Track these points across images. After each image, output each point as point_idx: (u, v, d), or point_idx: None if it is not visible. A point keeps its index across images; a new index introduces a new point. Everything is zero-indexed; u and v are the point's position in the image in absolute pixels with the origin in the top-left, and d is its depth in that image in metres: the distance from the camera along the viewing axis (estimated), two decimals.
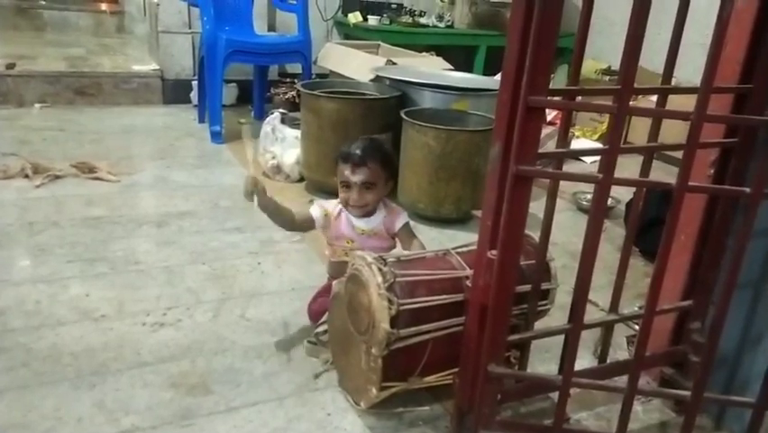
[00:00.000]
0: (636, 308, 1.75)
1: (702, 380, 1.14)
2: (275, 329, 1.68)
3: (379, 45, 3.92)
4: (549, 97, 1.05)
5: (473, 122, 2.55)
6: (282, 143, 2.81)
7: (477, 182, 2.40)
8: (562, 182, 1.28)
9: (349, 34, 4.37)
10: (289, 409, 1.39)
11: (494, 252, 1.11)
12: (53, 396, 1.37)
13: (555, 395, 1.28)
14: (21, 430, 1.27)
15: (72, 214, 2.32)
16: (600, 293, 1.58)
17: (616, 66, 4.15)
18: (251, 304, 1.79)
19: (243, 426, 1.33)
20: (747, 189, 1.04)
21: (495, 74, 3.66)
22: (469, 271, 1.32)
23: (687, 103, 1.10)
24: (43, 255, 2.00)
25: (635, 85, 1.06)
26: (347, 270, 1.39)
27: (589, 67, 4.18)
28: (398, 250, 1.68)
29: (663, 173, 1.36)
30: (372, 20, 4.25)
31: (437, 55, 3.77)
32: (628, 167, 1.28)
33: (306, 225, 1.66)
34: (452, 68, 3.44)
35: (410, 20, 4.47)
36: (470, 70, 3.96)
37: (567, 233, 2.31)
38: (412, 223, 1.74)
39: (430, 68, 3.30)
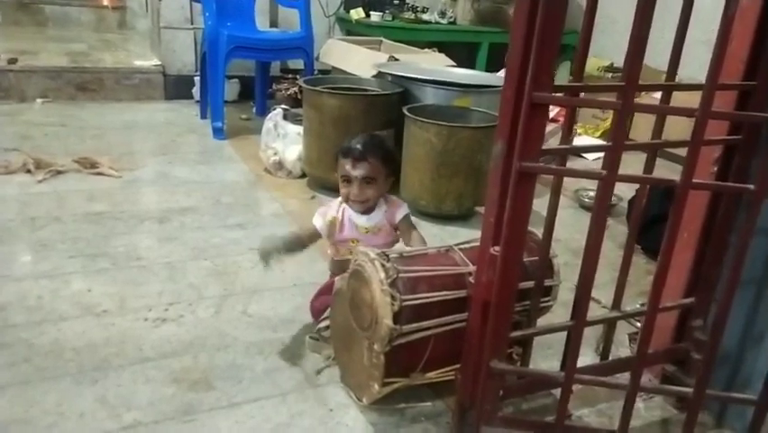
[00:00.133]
0: (639, 306, 1.75)
1: (704, 377, 1.14)
2: (277, 325, 1.68)
3: (381, 41, 3.91)
4: (553, 94, 1.05)
5: (475, 118, 2.54)
6: (284, 140, 2.81)
7: (479, 179, 2.39)
8: (564, 180, 1.28)
9: (351, 30, 4.35)
10: (291, 404, 1.39)
11: (497, 248, 1.11)
12: (55, 391, 1.37)
13: (557, 392, 1.28)
14: (23, 426, 1.27)
15: (74, 209, 2.32)
16: (602, 290, 1.58)
17: (618, 63, 4.15)
18: (252, 300, 1.79)
19: (245, 421, 1.33)
20: (751, 187, 1.04)
21: (497, 71, 3.65)
22: (471, 268, 1.32)
23: (690, 100, 1.10)
24: (45, 250, 2.00)
25: (639, 82, 1.05)
26: (349, 266, 1.39)
27: (592, 64, 4.17)
28: (401, 244, 1.68)
29: (666, 171, 1.35)
30: (375, 16, 4.24)
31: (439, 51, 3.76)
32: (631, 164, 1.27)
33: (313, 239, 1.67)
34: (454, 64, 3.44)
35: (412, 16, 4.46)
36: (472, 67, 3.94)
37: (569, 230, 2.30)
38: (414, 219, 1.74)
39: (432, 64, 3.29)
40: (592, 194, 2.68)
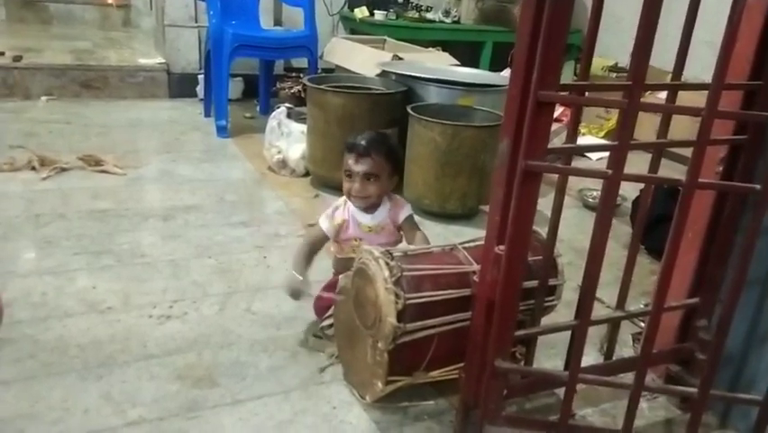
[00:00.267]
0: (642, 306, 1.75)
1: (709, 377, 1.14)
2: (281, 323, 1.68)
3: (385, 40, 3.91)
4: (559, 93, 1.05)
5: (479, 118, 2.54)
6: (288, 138, 2.81)
7: (483, 178, 2.39)
8: (568, 179, 1.28)
9: (355, 29, 4.35)
10: (295, 402, 1.39)
11: (502, 247, 1.11)
12: (60, 387, 1.38)
13: (561, 391, 1.28)
14: (28, 421, 1.28)
15: (78, 206, 2.32)
16: (606, 290, 1.57)
17: (623, 63, 4.14)
18: (256, 298, 1.80)
19: (249, 418, 1.33)
20: (757, 187, 1.04)
21: (501, 70, 3.65)
22: (476, 267, 1.32)
23: (695, 100, 1.10)
24: (50, 247, 2.00)
25: (645, 82, 1.05)
26: (353, 265, 1.39)
27: (596, 64, 4.16)
28: (404, 244, 1.68)
29: (670, 171, 1.35)
30: (379, 15, 4.24)
31: (443, 50, 3.76)
32: (636, 164, 1.27)
33: (323, 243, 1.68)
34: (458, 63, 3.44)
35: (416, 15, 4.46)
36: (476, 66, 3.94)
37: (573, 230, 2.30)
38: (417, 218, 1.75)
39: (436, 63, 3.29)
40: (596, 194, 2.67)
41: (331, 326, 1.58)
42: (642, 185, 1.78)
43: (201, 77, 3.80)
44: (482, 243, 1.19)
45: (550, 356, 1.55)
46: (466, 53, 4.16)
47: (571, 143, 1.21)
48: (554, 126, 3.13)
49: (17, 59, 3.69)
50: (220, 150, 3.16)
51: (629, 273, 1.34)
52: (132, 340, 1.56)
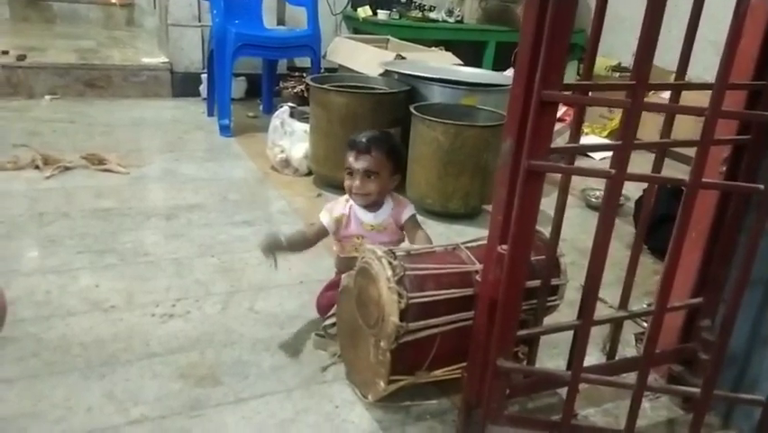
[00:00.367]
0: (645, 305, 1.75)
1: (712, 377, 1.14)
2: (283, 322, 1.68)
3: (388, 40, 3.91)
4: (562, 92, 1.05)
5: (482, 117, 2.54)
6: (291, 137, 2.81)
7: (486, 178, 2.39)
8: (571, 179, 1.27)
9: (358, 29, 4.36)
10: (297, 401, 1.39)
11: (504, 246, 1.11)
12: (63, 386, 1.38)
13: (563, 391, 1.28)
14: (31, 419, 1.28)
15: (82, 205, 2.33)
16: (609, 290, 1.57)
17: (626, 63, 4.14)
18: (259, 297, 1.80)
19: (252, 417, 1.34)
20: (761, 186, 1.04)
21: (504, 70, 3.64)
22: (478, 266, 1.32)
23: (698, 100, 1.10)
24: (53, 246, 2.01)
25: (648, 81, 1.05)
26: (356, 264, 1.39)
27: (600, 63, 4.16)
28: (406, 244, 1.68)
29: (673, 171, 1.35)
30: (382, 14, 4.24)
31: (446, 50, 3.76)
32: (639, 164, 1.27)
33: (321, 236, 1.67)
34: (461, 63, 3.43)
35: (420, 14, 4.46)
36: (479, 66, 3.94)
37: (575, 229, 2.30)
38: (420, 218, 1.75)
39: (439, 62, 3.29)
40: (599, 193, 2.67)
41: (334, 325, 1.58)
42: (645, 185, 1.78)
43: (204, 76, 3.80)
44: (485, 242, 1.19)
45: (552, 356, 1.55)
46: (469, 53, 4.16)
47: (574, 143, 1.21)
48: (557, 126, 3.13)
49: (21, 58, 3.70)
50: (223, 149, 3.16)
51: (632, 273, 1.34)
52: (135, 339, 1.57)
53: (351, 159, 1.61)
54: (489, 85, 2.77)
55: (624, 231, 2.36)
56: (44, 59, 3.81)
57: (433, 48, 3.87)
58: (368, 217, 1.65)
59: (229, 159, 3.02)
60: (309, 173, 2.82)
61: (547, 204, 1.25)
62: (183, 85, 4.00)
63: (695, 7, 1.12)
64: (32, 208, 2.27)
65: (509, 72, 3.34)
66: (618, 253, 1.86)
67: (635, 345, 1.67)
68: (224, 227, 2.25)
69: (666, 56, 1.44)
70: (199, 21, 3.91)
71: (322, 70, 3.56)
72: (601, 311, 1.49)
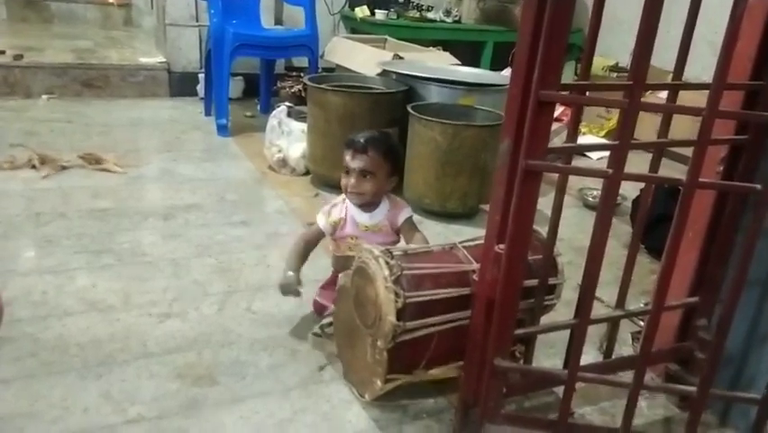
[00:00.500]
0: (642, 305, 1.75)
1: (709, 376, 1.14)
2: (281, 322, 1.68)
3: (385, 40, 3.91)
4: (559, 92, 1.05)
5: (480, 117, 2.54)
6: (288, 137, 2.81)
7: (483, 177, 2.39)
8: (568, 178, 1.28)
9: (356, 28, 4.36)
10: (295, 401, 1.39)
11: (502, 246, 1.11)
12: (60, 386, 1.38)
13: (560, 390, 1.28)
14: (28, 419, 1.28)
15: (79, 205, 2.32)
16: (606, 289, 1.57)
17: (623, 63, 4.14)
18: (257, 297, 1.80)
19: (249, 417, 1.34)
20: (758, 186, 1.04)
21: (502, 70, 3.65)
22: (476, 265, 1.32)
23: (695, 100, 1.10)
24: (50, 246, 2.00)
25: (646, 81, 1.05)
26: (352, 264, 1.40)
27: (597, 63, 4.16)
28: (402, 245, 1.68)
29: (670, 171, 1.35)
30: (379, 14, 4.24)
31: (444, 50, 3.76)
32: (636, 164, 1.27)
33: (319, 238, 1.68)
34: (459, 63, 3.44)
35: (417, 14, 4.46)
36: (477, 66, 3.94)
37: (573, 229, 2.30)
38: (418, 218, 1.75)
39: (437, 62, 3.29)
40: (596, 193, 2.67)
41: (330, 324, 1.58)
42: (642, 184, 1.79)
43: (202, 76, 3.80)
44: (482, 242, 1.19)
45: (549, 355, 1.55)
46: (467, 53, 4.16)
47: (571, 143, 1.21)
48: (555, 126, 3.13)
49: (18, 57, 3.69)
50: (221, 149, 3.16)
51: (629, 272, 1.34)
52: (132, 339, 1.56)
53: (348, 158, 1.62)
54: (486, 85, 2.77)
55: (621, 230, 2.37)
56: (41, 59, 3.81)
57: (430, 48, 3.87)
58: (363, 218, 1.65)
59: (226, 159, 3.02)
60: (307, 173, 2.82)
61: (544, 203, 1.25)
62: (180, 85, 4.00)
63: (692, 7, 1.12)
64: (28, 208, 2.26)
65: (507, 72, 3.34)
66: (615, 252, 1.86)
67: (631, 343, 1.68)
68: (221, 227, 2.25)
69: (664, 56, 1.44)
70: (197, 20, 3.91)
71: (319, 70, 3.56)
72: (598, 310, 1.49)
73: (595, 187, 2.74)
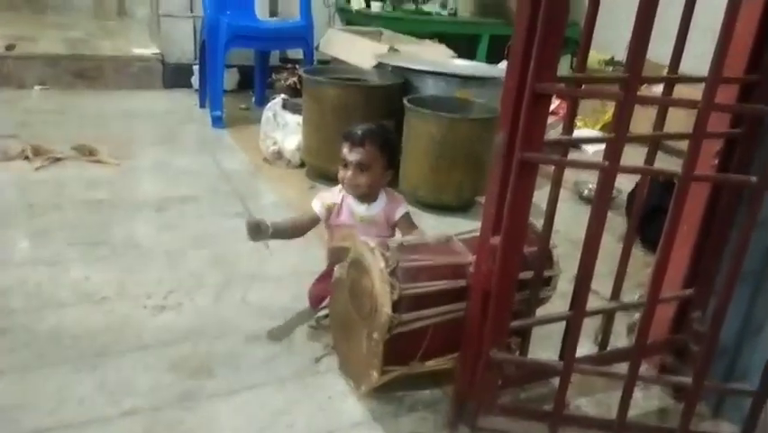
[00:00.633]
0: (637, 297, 1.76)
1: (703, 368, 1.15)
2: (276, 314, 1.68)
3: (381, 32, 3.89)
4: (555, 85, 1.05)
5: (476, 110, 2.54)
6: (284, 129, 2.80)
7: (478, 170, 2.39)
8: (564, 171, 1.28)
9: (351, 20, 4.34)
10: (290, 392, 1.40)
11: (497, 238, 1.11)
12: (55, 377, 1.38)
13: (555, 381, 1.29)
14: (23, 411, 1.28)
15: (73, 197, 2.31)
16: (601, 282, 1.57)
17: (619, 57, 4.14)
18: (252, 288, 1.80)
19: (244, 408, 1.34)
20: (753, 179, 1.04)
21: (498, 63, 3.64)
22: (471, 258, 1.32)
23: (691, 94, 1.10)
24: (44, 237, 2.00)
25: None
26: (346, 255, 1.39)
27: (592, 58, 4.16)
28: (398, 238, 1.68)
29: (666, 164, 1.36)
30: (375, 6, 4.23)
31: (440, 43, 3.75)
32: (632, 158, 1.27)
33: (313, 223, 1.68)
34: (455, 55, 3.43)
35: (413, 7, 4.45)
36: (472, 59, 3.93)
37: (568, 222, 2.29)
38: (413, 210, 1.75)
39: (433, 55, 3.28)
40: (591, 186, 2.68)
41: (326, 316, 1.58)
42: (637, 177, 1.79)
43: (196, 67, 3.78)
44: (478, 234, 1.19)
45: (545, 347, 1.55)
46: (463, 46, 4.15)
47: (567, 136, 1.21)
48: (550, 119, 3.14)
49: (10, 48, 3.67)
50: (215, 141, 3.15)
51: (625, 264, 1.35)
52: (127, 331, 1.56)
53: (345, 150, 1.62)
54: (482, 77, 2.77)
55: (616, 223, 2.37)
56: (34, 50, 3.78)
57: (426, 40, 3.86)
58: (360, 209, 1.65)
59: (221, 151, 3.01)
60: (302, 165, 2.81)
61: (539, 197, 1.25)
62: (175, 76, 3.97)
63: (688, 1, 1.12)
64: (22, 200, 2.25)
65: (503, 65, 3.33)
66: (610, 245, 1.86)
67: (626, 335, 1.68)
68: (216, 219, 2.24)
69: (660, 50, 1.44)
70: (191, 11, 3.89)
71: (315, 62, 3.54)
72: (593, 302, 1.49)
73: (590, 180, 2.75)
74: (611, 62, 4.18)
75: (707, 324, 1.27)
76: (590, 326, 1.59)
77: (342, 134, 1.65)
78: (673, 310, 1.48)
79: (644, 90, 2.95)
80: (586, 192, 2.71)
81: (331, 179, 2.46)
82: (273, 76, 3.90)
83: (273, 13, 4.15)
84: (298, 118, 2.76)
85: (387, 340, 1.30)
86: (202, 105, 3.62)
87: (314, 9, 3.60)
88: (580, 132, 3.65)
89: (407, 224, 1.68)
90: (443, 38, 3.98)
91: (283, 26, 3.69)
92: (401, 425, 1.33)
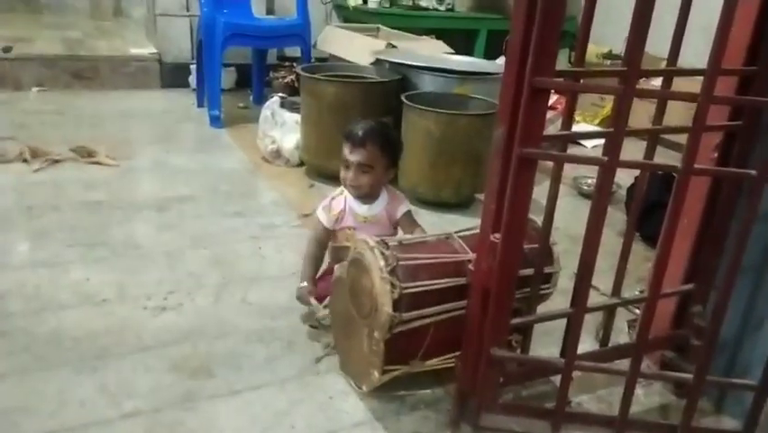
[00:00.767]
0: (638, 292, 1.75)
1: (704, 363, 1.14)
2: (276, 313, 1.68)
3: (378, 28, 3.88)
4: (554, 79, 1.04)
5: (474, 106, 2.53)
6: (282, 128, 2.80)
7: (478, 167, 2.39)
8: (563, 167, 1.27)
9: (348, 17, 4.33)
10: (291, 392, 1.39)
11: (497, 235, 1.11)
12: (55, 380, 1.37)
13: (556, 379, 1.28)
14: (24, 414, 1.27)
15: (71, 198, 2.31)
16: (601, 278, 1.57)
17: (617, 50, 4.13)
18: (252, 288, 1.79)
19: (245, 409, 1.33)
20: (753, 172, 1.04)
21: (495, 58, 3.63)
22: (471, 255, 1.31)
23: (689, 88, 1.09)
24: (43, 239, 1.99)
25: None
26: (348, 255, 1.39)
27: (590, 51, 4.15)
28: (398, 236, 1.68)
29: (665, 158, 1.35)
30: (372, 2, 4.22)
31: (437, 39, 3.74)
32: (631, 152, 1.27)
33: (328, 237, 1.68)
34: (452, 51, 3.42)
35: (410, 3, 4.43)
36: (470, 55, 3.92)
37: (567, 218, 2.30)
38: (412, 208, 1.74)
39: (431, 51, 3.27)
40: (591, 181, 2.67)
41: (327, 316, 1.58)
42: (636, 172, 1.78)
43: (193, 66, 3.77)
44: (478, 231, 1.19)
45: (546, 344, 1.55)
46: (460, 41, 4.14)
47: (566, 131, 1.20)
48: (549, 114, 3.13)
49: (7, 49, 3.65)
50: (213, 140, 3.14)
51: (625, 260, 1.34)
52: (127, 332, 1.56)
53: (346, 151, 1.60)
54: (480, 73, 2.76)
55: (615, 219, 2.36)
56: (31, 51, 3.76)
57: (424, 36, 3.85)
58: (362, 209, 1.65)
59: (220, 150, 3.00)
60: (301, 164, 2.80)
61: (539, 193, 1.24)
62: (172, 75, 3.96)
63: None
64: (20, 202, 2.24)
65: (501, 60, 3.33)
66: (610, 240, 1.86)
67: (627, 331, 1.68)
68: (215, 219, 2.24)
69: (658, 43, 1.43)
70: (187, 10, 3.87)
71: (312, 60, 3.53)
72: (594, 299, 1.49)
73: (590, 175, 2.74)
74: (609, 55, 4.17)
75: (708, 318, 1.27)
76: (591, 322, 1.59)
77: (343, 134, 1.63)
78: (674, 305, 1.47)
79: (643, 84, 2.95)
80: (585, 188, 2.71)
81: (330, 178, 2.46)
82: (271, 74, 3.89)
83: (270, 10, 4.14)
84: (297, 116, 2.75)
85: (387, 339, 1.30)
86: (200, 105, 3.61)
87: (310, 6, 3.59)
88: (578, 127, 3.64)
89: (409, 222, 1.68)
90: (440, 34, 3.97)
91: (280, 24, 3.68)
92: (403, 424, 1.33)
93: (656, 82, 1.28)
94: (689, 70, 1.25)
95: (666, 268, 1.11)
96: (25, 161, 2.58)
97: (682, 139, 1.06)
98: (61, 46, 3.95)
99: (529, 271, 1.30)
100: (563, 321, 1.31)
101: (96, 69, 3.83)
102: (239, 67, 3.98)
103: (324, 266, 1.74)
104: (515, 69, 1.02)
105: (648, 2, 0.95)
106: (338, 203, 1.65)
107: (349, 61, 3.07)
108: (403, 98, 2.44)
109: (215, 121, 3.31)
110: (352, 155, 1.59)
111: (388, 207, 1.66)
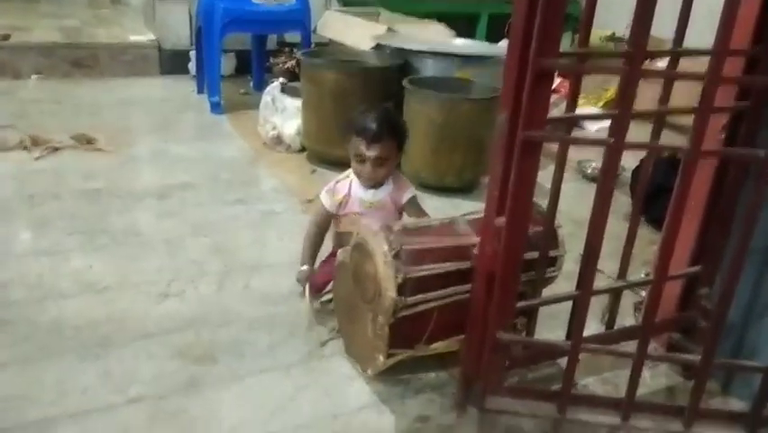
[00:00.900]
0: (643, 275, 1.75)
1: (712, 345, 1.13)
2: (279, 300, 1.67)
3: (379, 13, 3.85)
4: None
5: (476, 90, 2.51)
6: (283, 114, 2.78)
7: (480, 151, 2.37)
8: (568, 150, 1.25)
9: (348, 1, 4.28)
10: (296, 377, 1.39)
11: (502, 219, 1.09)
12: (58, 368, 1.37)
13: (562, 361, 1.28)
14: (27, 401, 1.27)
15: (72, 186, 2.30)
16: (606, 261, 1.56)
17: (620, 33, 4.09)
18: (254, 275, 1.78)
19: (250, 395, 1.33)
20: (761, 153, 1.02)
21: (498, 41, 3.60)
22: (476, 239, 1.30)
23: (694, 68, 1.07)
24: (44, 228, 1.98)
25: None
26: (350, 240, 1.38)
27: (593, 34, 4.11)
28: (404, 220, 1.66)
29: (670, 141, 1.34)
30: None
31: (439, 22, 3.71)
32: (636, 135, 1.25)
33: (329, 221, 1.68)
34: (454, 34, 3.39)
35: None
36: (472, 38, 3.89)
37: (572, 201, 2.26)
38: (417, 193, 1.72)
39: (432, 35, 3.24)
40: (595, 165, 2.65)
41: (330, 301, 1.57)
42: (642, 155, 1.77)
43: (193, 53, 3.74)
44: (482, 215, 1.17)
45: (551, 327, 1.54)
46: (462, 25, 4.10)
47: (571, 113, 1.19)
48: (552, 98, 3.10)
49: (5, 37, 3.63)
50: (214, 127, 3.12)
51: (631, 243, 1.33)
52: (130, 319, 1.55)
53: (362, 147, 1.56)
54: (483, 57, 2.73)
55: (621, 202, 2.34)
56: (29, 39, 3.74)
57: (425, 20, 3.81)
58: (367, 195, 1.63)
59: (220, 137, 2.98)
60: (302, 150, 2.79)
61: (543, 177, 1.23)
62: (171, 62, 3.94)
63: None
64: (21, 190, 2.23)
65: (503, 43, 3.29)
66: (615, 224, 1.84)
67: (633, 314, 1.67)
68: (216, 206, 2.23)
69: (661, 26, 1.41)
70: None
71: (312, 45, 3.51)
72: (599, 282, 1.48)
73: (593, 158, 2.72)
74: (612, 38, 4.13)
75: (715, 300, 1.26)
76: (597, 305, 1.58)
77: (355, 129, 1.58)
78: (681, 288, 1.46)
79: (648, 65, 2.92)
80: (589, 171, 2.69)
81: (332, 163, 2.45)
82: (271, 60, 3.87)
83: None
84: (297, 102, 2.73)
85: (392, 323, 1.29)
86: (200, 91, 3.59)
87: None
88: (582, 110, 3.61)
89: (415, 207, 1.66)
90: (441, 17, 3.93)
91: (280, 9, 3.63)
92: (408, 407, 1.33)
93: (661, 65, 1.26)
94: (695, 51, 1.23)
95: (673, 250, 1.10)
96: (26, 149, 2.57)
97: (687, 121, 1.04)
98: (59, 34, 3.92)
99: (534, 255, 1.29)
100: (568, 305, 1.30)
101: (95, 57, 3.80)
102: (239, 53, 3.96)
103: (324, 253, 1.73)
104: (518, 52, 1.01)
105: None
106: (343, 186, 1.64)
107: (349, 46, 3.04)
108: (404, 83, 2.42)
109: (216, 107, 3.29)
110: (369, 151, 1.56)
111: (393, 193, 1.64)
